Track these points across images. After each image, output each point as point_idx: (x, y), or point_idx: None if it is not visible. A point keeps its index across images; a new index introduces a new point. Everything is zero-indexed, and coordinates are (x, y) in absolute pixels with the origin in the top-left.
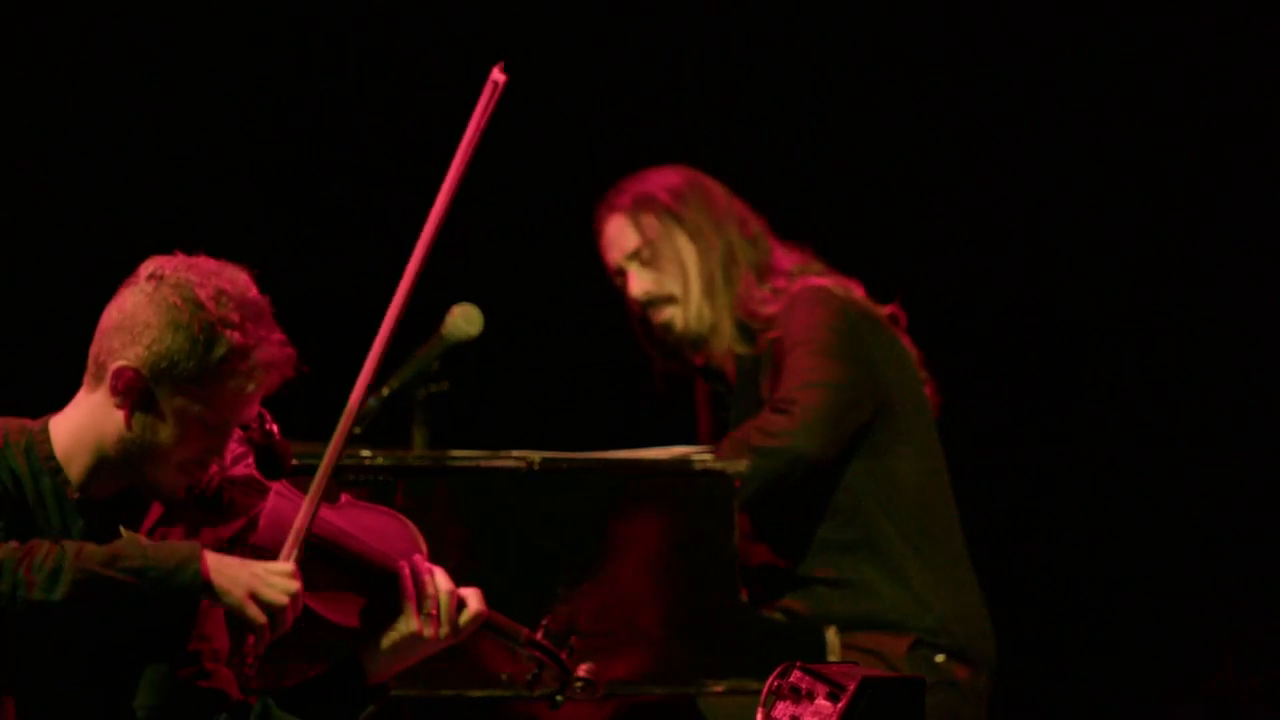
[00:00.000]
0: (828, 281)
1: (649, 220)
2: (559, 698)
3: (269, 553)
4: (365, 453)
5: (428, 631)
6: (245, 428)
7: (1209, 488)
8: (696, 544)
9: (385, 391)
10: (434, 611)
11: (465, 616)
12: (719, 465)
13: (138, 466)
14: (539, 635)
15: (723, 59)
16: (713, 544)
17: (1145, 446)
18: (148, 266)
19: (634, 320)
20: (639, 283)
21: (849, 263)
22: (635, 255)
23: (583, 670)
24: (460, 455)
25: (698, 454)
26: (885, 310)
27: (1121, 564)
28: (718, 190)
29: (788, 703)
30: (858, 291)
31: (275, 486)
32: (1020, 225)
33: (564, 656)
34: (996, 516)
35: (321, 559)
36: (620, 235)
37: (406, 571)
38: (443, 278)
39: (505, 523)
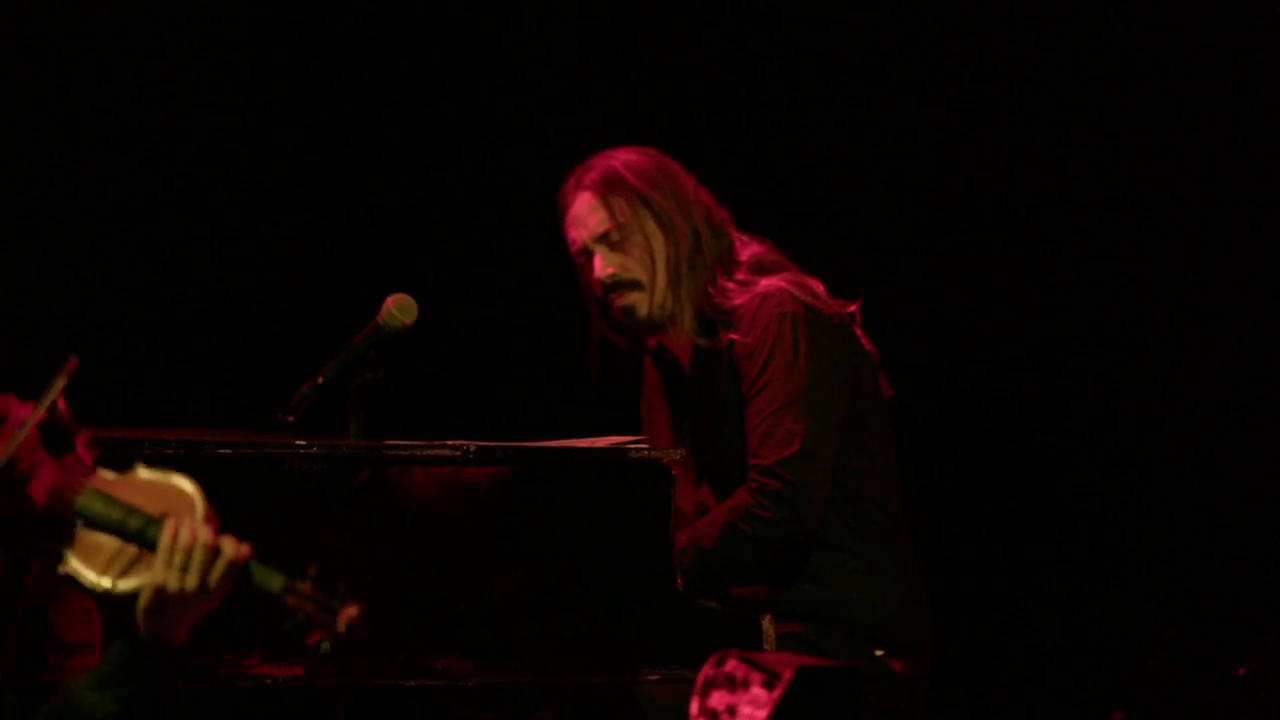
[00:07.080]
0: (790, 285)
1: (619, 203)
2: (325, 645)
3: None
4: (300, 441)
5: (171, 583)
6: None
7: (1145, 479)
8: (631, 533)
9: (320, 380)
10: (183, 564)
11: (218, 567)
12: (655, 454)
13: None
14: (305, 584)
15: (678, 44)
16: (648, 533)
17: (1082, 437)
18: None
19: (589, 298)
20: (605, 266)
21: (804, 250)
22: (604, 238)
23: (346, 615)
24: (396, 444)
25: (634, 443)
26: (846, 308)
27: (1058, 553)
28: (685, 176)
29: (723, 691)
30: (818, 288)
31: None
32: (982, 216)
33: (329, 603)
34: (933, 507)
35: (93, 524)
36: (589, 215)
37: (167, 526)
38: (379, 267)
39: (441, 511)
